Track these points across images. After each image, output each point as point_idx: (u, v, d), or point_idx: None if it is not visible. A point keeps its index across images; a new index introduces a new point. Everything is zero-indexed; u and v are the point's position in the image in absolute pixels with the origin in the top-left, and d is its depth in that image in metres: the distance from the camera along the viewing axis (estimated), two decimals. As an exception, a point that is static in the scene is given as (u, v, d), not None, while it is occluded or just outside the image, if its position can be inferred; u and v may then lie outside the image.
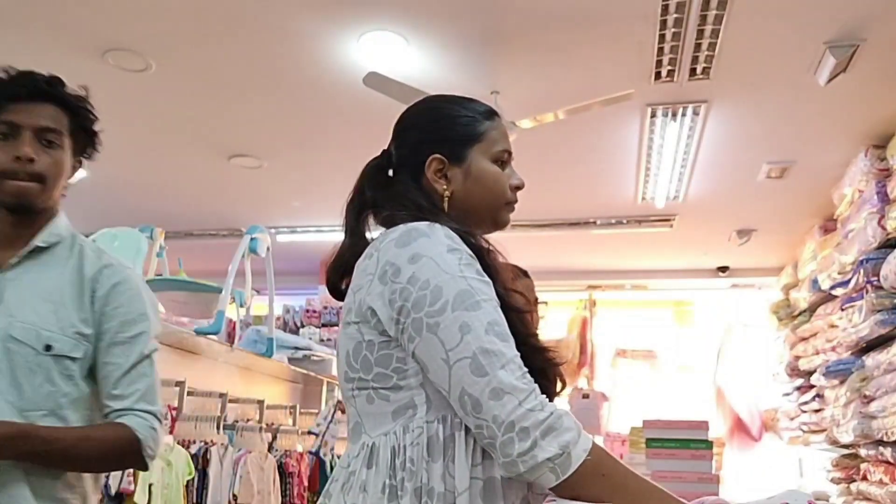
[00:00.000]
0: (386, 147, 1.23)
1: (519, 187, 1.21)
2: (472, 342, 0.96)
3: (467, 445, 0.99)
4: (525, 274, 1.90)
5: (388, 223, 1.12)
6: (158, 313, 1.56)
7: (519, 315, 1.06)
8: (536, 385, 0.97)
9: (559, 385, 1.10)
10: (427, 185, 1.16)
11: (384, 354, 1.03)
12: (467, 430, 0.99)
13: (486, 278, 1.03)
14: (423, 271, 1.00)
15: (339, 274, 1.16)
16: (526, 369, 0.98)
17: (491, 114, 1.22)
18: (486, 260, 1.08)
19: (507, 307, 1.04)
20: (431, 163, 1.15)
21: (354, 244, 1.15)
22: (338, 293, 1.17)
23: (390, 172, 1.20)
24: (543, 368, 1.06)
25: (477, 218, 1.17)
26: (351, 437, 1.09)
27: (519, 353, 1.00)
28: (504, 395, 0.94)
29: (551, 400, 1.04)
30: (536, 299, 1.91)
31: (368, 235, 1.17)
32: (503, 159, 1.19)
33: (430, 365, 0.99)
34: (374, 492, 0.98)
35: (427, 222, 1.06)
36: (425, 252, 1.01)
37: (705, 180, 4.64)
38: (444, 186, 1.15)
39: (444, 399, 1.00)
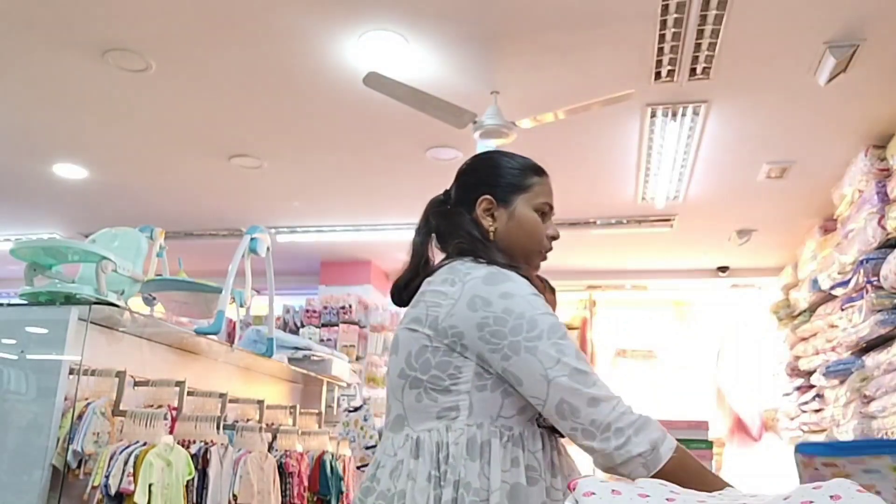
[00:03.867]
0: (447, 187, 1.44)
1: (554, 237, 1.42)
2: (568, 363, 1.15)
3: (503, 451, 1.15)
4: (551, 290, 2.00)
5: (445, 247, 1.35)
6: None
7: None
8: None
9: None
10: (477, 220, 1.35)
11: (444, 360, 1.19)
12: (501, 437, 1.16)
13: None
14: (517, 306, 1.18)
15: (404, 286, 1.36)
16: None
17: (540, 171, 1.42)
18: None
19: None
20: (482, 202, 1.35)
21: (418, 264, 1.36)
22: (400, 301, 1.37)
23: (448, 207, 1.41)
24: None
25: (514, 257, 1.34)
26: (392, 427, 1.25)
27: None
28: (600, 402, 1.13)
29: None
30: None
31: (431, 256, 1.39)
32: (544, 211, 1.40)
33: (526, 379, 1.16)
34: (421, 480, 1.15)
35: (498, 268, 1.24)
36: (515, 292, 1.20)
37: (705, 180, 4.64)
38: (490, 223, 1.35)
39: (485, 407, 1.18)
